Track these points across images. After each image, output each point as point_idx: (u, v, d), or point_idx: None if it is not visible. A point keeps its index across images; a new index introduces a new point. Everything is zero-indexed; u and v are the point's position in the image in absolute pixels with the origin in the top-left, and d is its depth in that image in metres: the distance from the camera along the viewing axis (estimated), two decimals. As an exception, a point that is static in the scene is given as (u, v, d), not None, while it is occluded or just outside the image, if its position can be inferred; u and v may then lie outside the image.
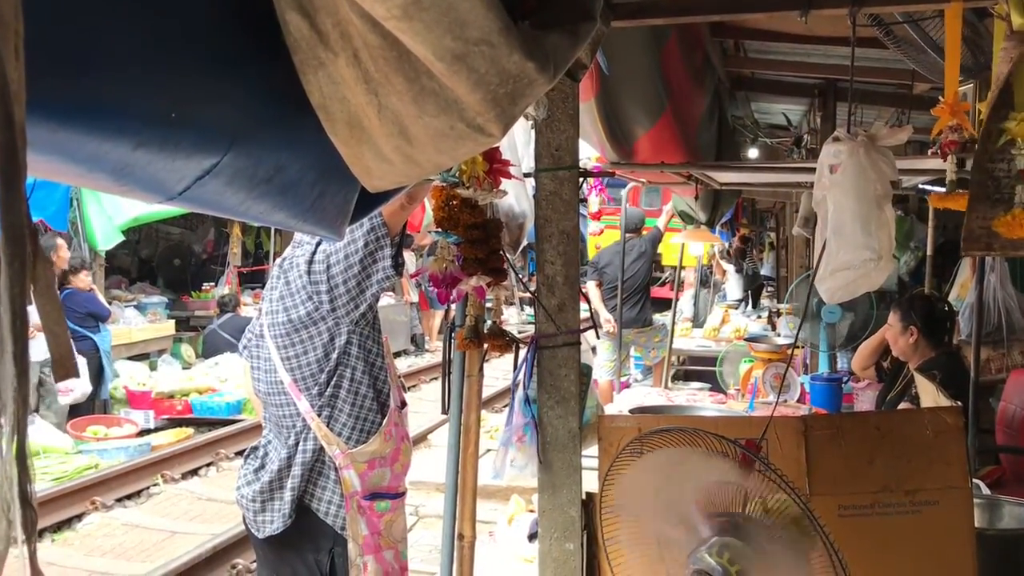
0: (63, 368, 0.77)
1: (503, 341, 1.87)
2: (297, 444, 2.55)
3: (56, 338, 0.77)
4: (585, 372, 2.36)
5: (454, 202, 1.72)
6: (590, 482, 2.32)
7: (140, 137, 0.89)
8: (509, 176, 1.78)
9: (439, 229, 1.72)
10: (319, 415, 2.51)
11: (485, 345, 1.84)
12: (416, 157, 1.12)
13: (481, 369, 2.28)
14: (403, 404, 2.66)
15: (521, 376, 2.23)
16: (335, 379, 2.52)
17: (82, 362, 8.07)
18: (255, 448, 2.74)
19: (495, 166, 1.73)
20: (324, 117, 1.10)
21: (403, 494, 2.65)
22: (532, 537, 2.74)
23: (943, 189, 2.55)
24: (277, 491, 2.59)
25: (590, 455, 2.38)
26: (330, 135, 1.12)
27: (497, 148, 1.76)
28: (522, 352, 2.27)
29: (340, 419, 2.53)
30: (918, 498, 2.12)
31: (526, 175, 2.34)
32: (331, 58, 1.04)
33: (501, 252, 1.85)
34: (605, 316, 7.82)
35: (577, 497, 2.30)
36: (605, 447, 2.30)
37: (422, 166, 1.14)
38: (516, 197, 2.35)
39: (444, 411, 2.54)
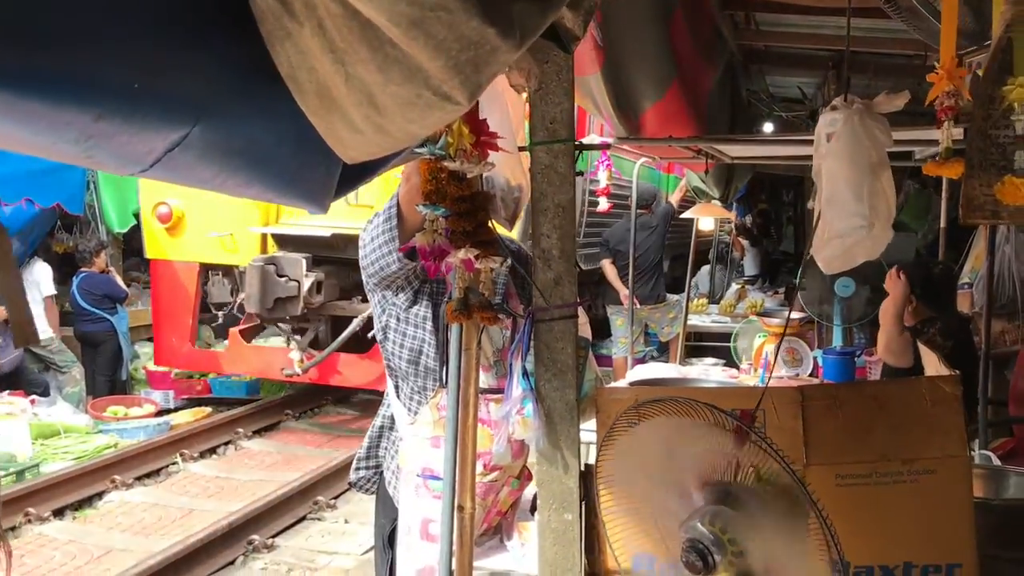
0: (23, 334, 0.79)
1: (492, 313, 1.87)
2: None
3: (15, 306, 0.79)
4: (583, 345, 2.35)
5: (442, 175, 1.72)
6: (591, 455, 2.33)
7: (101, 108, 0.90)
8: (496, 148, 1.77)
9: (427, 202, 1.73)
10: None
11: (476, 317, 1.85)
12: (386, 127, 1.12)
13: (479, 343, 2.28)
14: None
15: (517, 348, 2.23)
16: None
17: None
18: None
19: (482, 139, 1.72)
20: (294, 87, 1.10)
21: None
22: (532, 509, 2.76)
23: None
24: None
25: (589, 428, 2.39)
26: (301, 106, 1.12)
27: (484, 120, 1.75)
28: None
29: (404, 390, 2.62)
30: (916, 467, 2.11)
31: (521, 149, 2.33)
32: (297, 28, 1.04)
33: (490, 224, 1.85)
34: (625, 292, 7.79)
35: (575, 468, 2.30)
36: (603, 418, 2.30)
37: (393, 136, 1.14)
38: (511, 171, 2.35)
39: (443, 384, 2.55)
